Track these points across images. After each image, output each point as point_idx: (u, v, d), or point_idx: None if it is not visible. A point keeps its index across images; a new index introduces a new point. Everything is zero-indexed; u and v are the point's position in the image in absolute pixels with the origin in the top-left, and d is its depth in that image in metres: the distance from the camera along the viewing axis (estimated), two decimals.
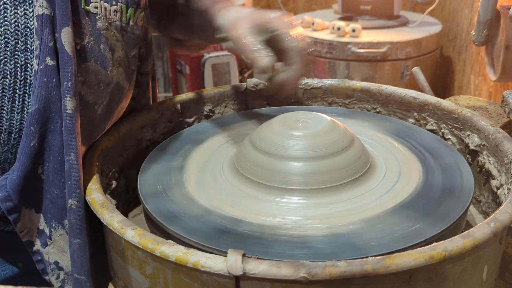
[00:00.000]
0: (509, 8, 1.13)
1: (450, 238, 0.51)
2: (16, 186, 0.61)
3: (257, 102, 0.92)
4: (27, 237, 0.64)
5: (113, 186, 0.74)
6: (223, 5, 0.81)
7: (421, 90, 0.93)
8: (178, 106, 0.86)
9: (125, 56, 0.69)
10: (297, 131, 0.68)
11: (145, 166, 0.74)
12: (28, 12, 0.61)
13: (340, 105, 0.92)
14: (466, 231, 0.52)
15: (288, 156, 0.66)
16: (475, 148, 0.76)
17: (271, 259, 0.50)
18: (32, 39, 0.61)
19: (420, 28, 2.29)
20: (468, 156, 0.77)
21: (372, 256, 0.49)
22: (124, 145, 0.78)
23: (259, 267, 0.48)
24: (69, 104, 0.60)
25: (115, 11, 0.66)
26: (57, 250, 0.65)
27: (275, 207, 0.63)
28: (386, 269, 0.48)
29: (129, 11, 0.67)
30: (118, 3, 0.66)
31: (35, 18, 0.60)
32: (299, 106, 0.92)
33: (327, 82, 0.91)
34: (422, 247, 0.50)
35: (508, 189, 0.66)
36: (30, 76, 0.62)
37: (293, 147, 0.67)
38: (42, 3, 0.59)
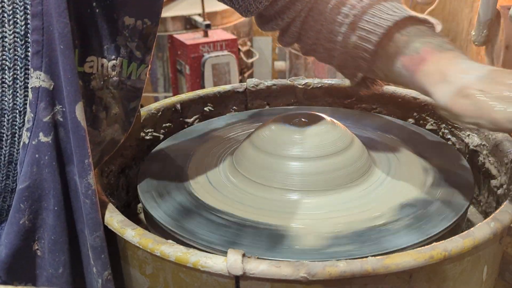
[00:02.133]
0: (509, 8, 1.12)
1: (450, 238, 0.51)
2: (3, 264, 0.58)
3: (257, 102, 0.92)
4: None
5: (113, 186, 0.74)
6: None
7: None
8: (178, 106, 0.86)
9: (122, 111, 0.64)
10: (297, 131, 0.68)
11: (145, 166, 0.74)
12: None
13: (340, 105, 0.92)
14: (466, 231, 0.52)
15: (287, 156, 0.66)
16: (475, 148, 0.76)
17: (271, 259, 0.50)
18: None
19: None
20: (468, 156, 0.77)
21: (372, 256, 0.49)
22: (124, 145, 0.78)
23: (259, 267, 0.48)
24: (92, 180, 0.56)
25: (114, 66, 0.60)
26: None
27: (273, 207, 0.63)
28: (386, 269, 0.48)
29: (131, 65, 0.62)
30: (118, 58, 0.60)
31: (30, 90, 0.55)
32: (299, 106, 0.92)
33: (327, 82, 0.91)
34: (422, 247, 0.50)
35: (508, 189, 0.66)
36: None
37: (292, 147, 0.67)
38: (39, 75, 0.54)
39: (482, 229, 0.52)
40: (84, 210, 0.57)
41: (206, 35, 2.36)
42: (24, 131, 0.56)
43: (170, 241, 0.54)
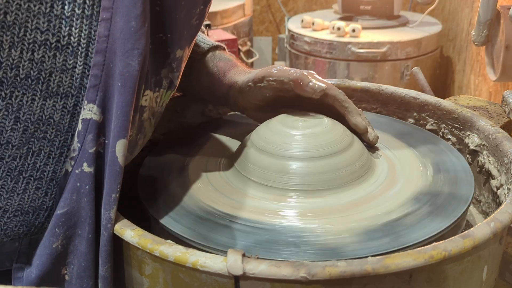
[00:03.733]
0: (509, 8, 1.13)
1: (450, 238, 0.51)
2: (32, 284, 0.60)
3: None
4: None
5: None
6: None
7: (421, 90, 0.93)
8: (178, 106, 0.86)
9: (149, 136, 0.67)
10: (296, 131, 0.68)
11: (145, 166, 0.74)
12: (57, 105, 0.57)
13: None
14: (466, 231, 0.52)
15: (288, 156, 0.66)
16: (475, 148, 0.76)
17: (271, 259, 0.50)
18: (53, 129, 0.58)
19: (420, 28, 2.29)
20: (468, 156, 0.77)
21: (372, 256, 0.49)
22: None
23: (259, 267, 0.48)
24: (114, 215, 0.57)
25: (157, 97, 0.63)
26: None
27: (273, 206, 0.63)
28: (386, 269, 0.48)
29: (166, 94, 0.65)
30: (161, 89, 0.63)
31: (80, 121, 0.57)
32: None
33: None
34: (422, 247, 0.50)
35: (508, 189, 0.66)
36: (40, 162, 0.59)
37: (292, 147, 0.67)
38: (92, 107, 0.56)
39: (482, 229, 0.52)
40: (100, 241, 0.57)
41: (206, 35, 2.36)
42: (68, 159, 0.58)
43: (169, 241, 0.53)
